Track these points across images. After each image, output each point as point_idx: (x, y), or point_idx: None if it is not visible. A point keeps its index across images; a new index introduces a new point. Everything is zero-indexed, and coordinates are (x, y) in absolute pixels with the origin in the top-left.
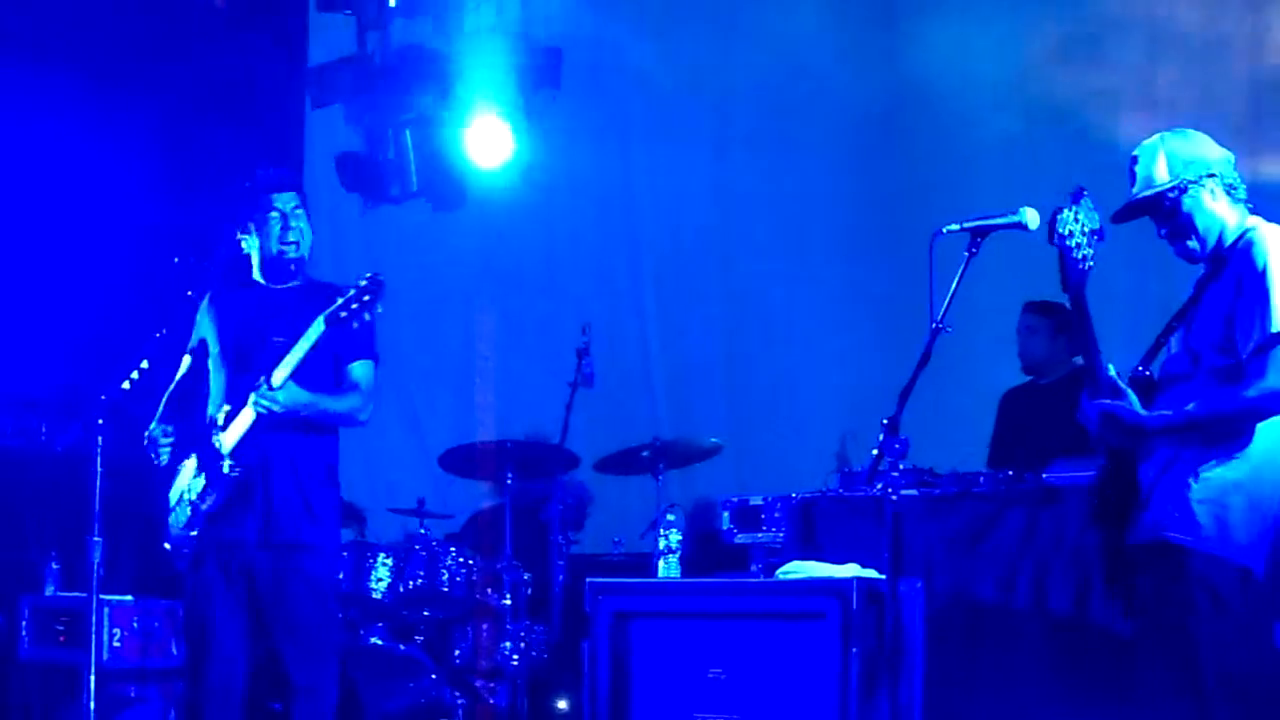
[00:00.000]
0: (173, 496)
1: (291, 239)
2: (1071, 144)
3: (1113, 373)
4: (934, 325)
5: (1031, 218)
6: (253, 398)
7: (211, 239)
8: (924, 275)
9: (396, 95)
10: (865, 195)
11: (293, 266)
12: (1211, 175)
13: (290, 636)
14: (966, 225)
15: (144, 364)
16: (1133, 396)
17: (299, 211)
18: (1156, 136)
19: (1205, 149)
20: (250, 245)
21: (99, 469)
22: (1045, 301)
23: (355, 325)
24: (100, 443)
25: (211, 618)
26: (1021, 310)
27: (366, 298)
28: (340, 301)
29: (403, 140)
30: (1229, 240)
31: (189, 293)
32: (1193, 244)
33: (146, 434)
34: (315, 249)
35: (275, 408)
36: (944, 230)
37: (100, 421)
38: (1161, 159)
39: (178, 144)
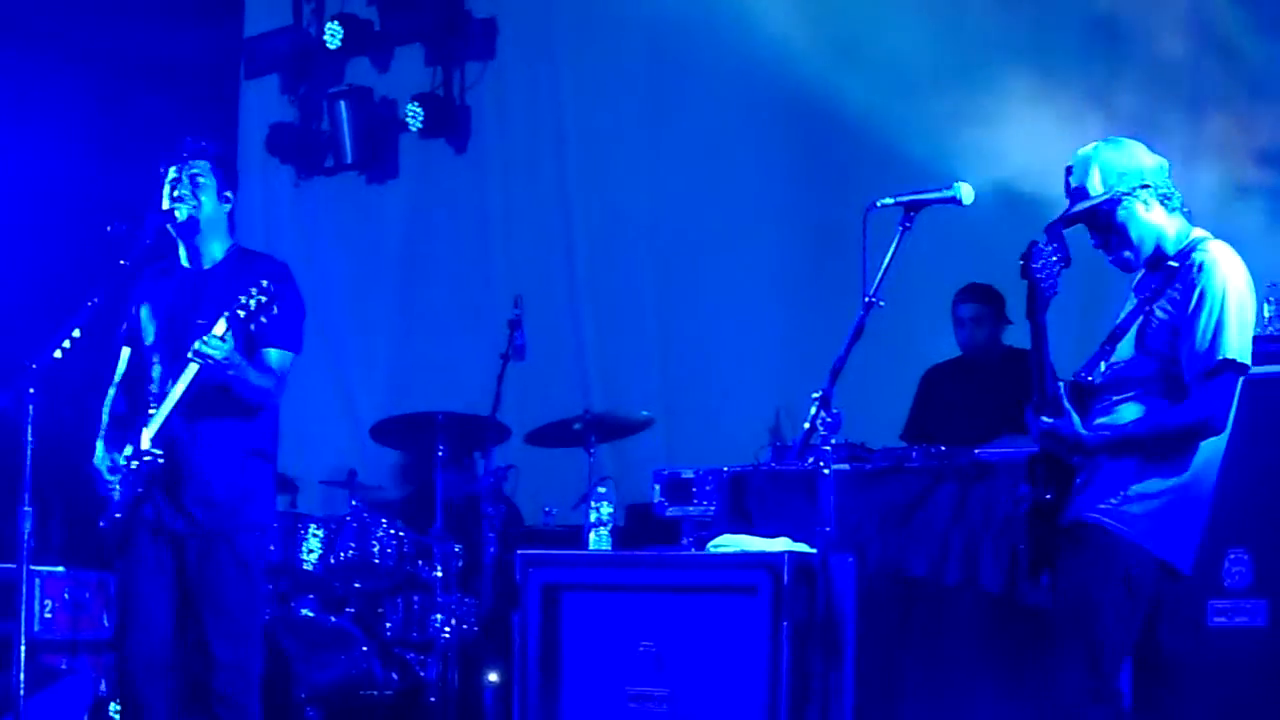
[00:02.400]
0: (108, 471)
1: (186, 215)
2: (1006, 120)
3: (1061, 390)
4: (867, 299)
5: (966, 192)
6: (196, 345)
7: (143, 208)
8: (857, 249)
9: (331, 67)
10: (798, 168)
11: (207, 232)
12: (1145, 186)
13: (216, 613)
14: (900, 199)
15: (76, 333)
16: (1075, 417)
17: (201, 180)
18: (1091, 147)
19: (1139, 159)
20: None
21: (29, 438)
22: (983, 287)
23: (263, 319)
24: (31, 412)
25: (140, 594)
26: (961, 297)
27: (264, 299)
28: (243, 300)
29: (337, 112)
30: (1171, 249)
31: (121, 261)
32: (1128, 254)
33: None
34: (247, 220)
35: (217, 354)
36: (877, 204)
37: (31, 390)
38: (1095, 171)
39: (110, 113)
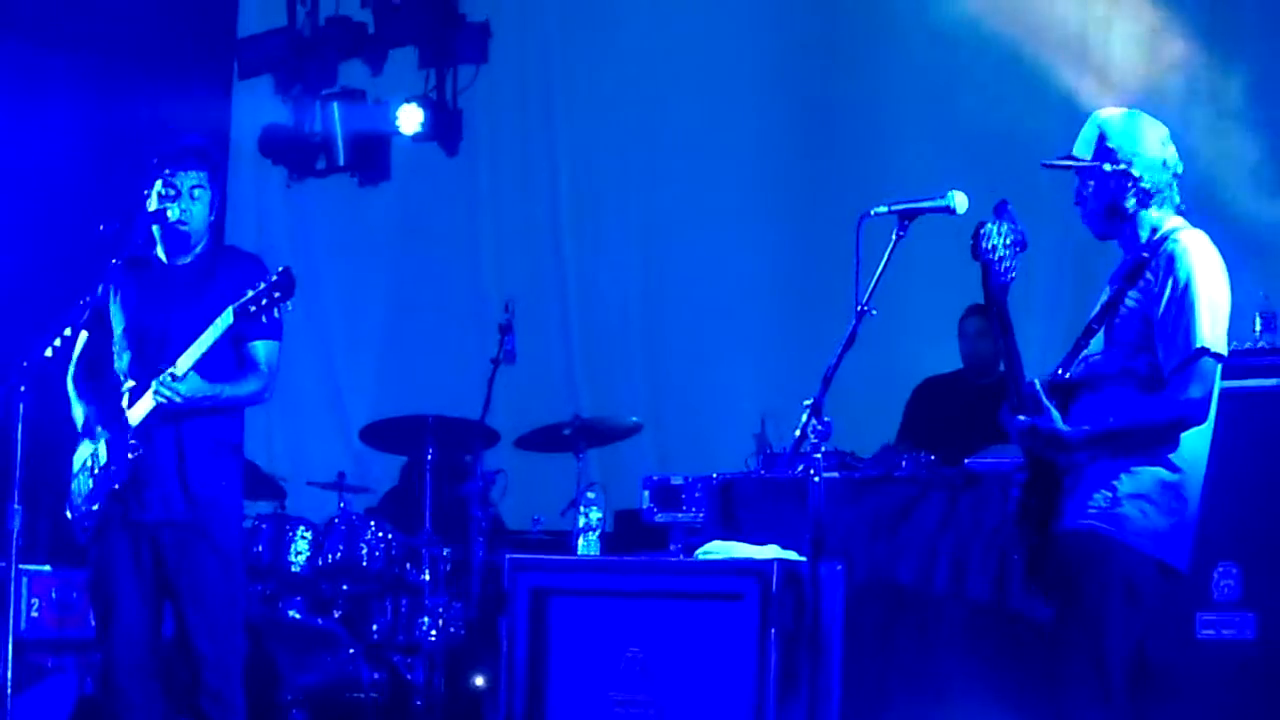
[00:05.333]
0: (76, 463)
1: (176, 217)
2: (1001, 132)
3: (1037, 386)
4: (859, 308)
5: (960, 201)
6: (154, 385)
7: (135, 206)
8: (845, 256)
9: (324, 68)
10: (791, 175)
11: (192, 240)
12: (1129, 177)
13: (197, 607)
14: (894, 208)
15: (67, 331)
16: (1054, 413)
17: (197, 191)
18: (1106, 112)
19: (1141, 143)
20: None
21: (19, 436)
22: None
23: (264, 320)
24: (21, 410)
25: (117, 591)
26: (968, 313)
27: (278, 294)
28: (251, 295)
29: (330, 113)
30: (1144, 237)
31: (113, 260)
32: (1090, 224)
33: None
34: (238, 221)
35: (176, 399)
36: (871, 212)
37: (22, 388)
38: (1095, 134)
39: (103, 111)
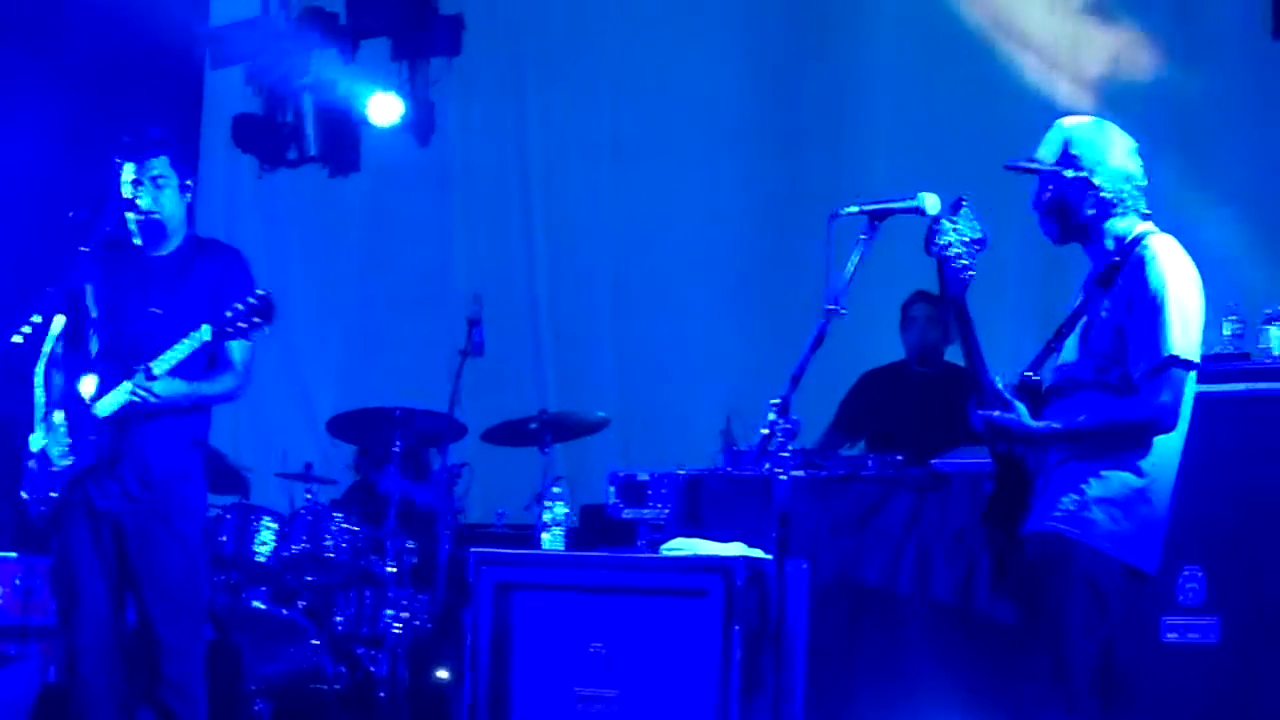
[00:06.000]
0: (33, 444)
1: (145, 208)
2: (973, 131)
3: (1000, 385)
4: (828, 307)
5: (930, 202)
6: (129, 385)
7: (104, 195)
8: (812, 255)
9: (296, 58)
10: (763, 174)
11: (168, 229)
12: (1091, 186)
13: (159, 595)
14: (864, 208)
15: (36, 318)
16: (1021, 408)
17: (161, 180)
18: (1071, 121)
19: (1106, 152)
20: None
21: None
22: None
23: (238, 351)
24: None
25: (80, 579)
26: (915, 299)
27: (257, 319)
28: (230, 315)
29: (301, 104)
30: (1112, 244)
31: (83, 248)
32: (1048, 229)
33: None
34: (209, 210)
35: (151, 399)
36: (841, 212)
37: None
38: (1058, 141)
39: (74, 100)
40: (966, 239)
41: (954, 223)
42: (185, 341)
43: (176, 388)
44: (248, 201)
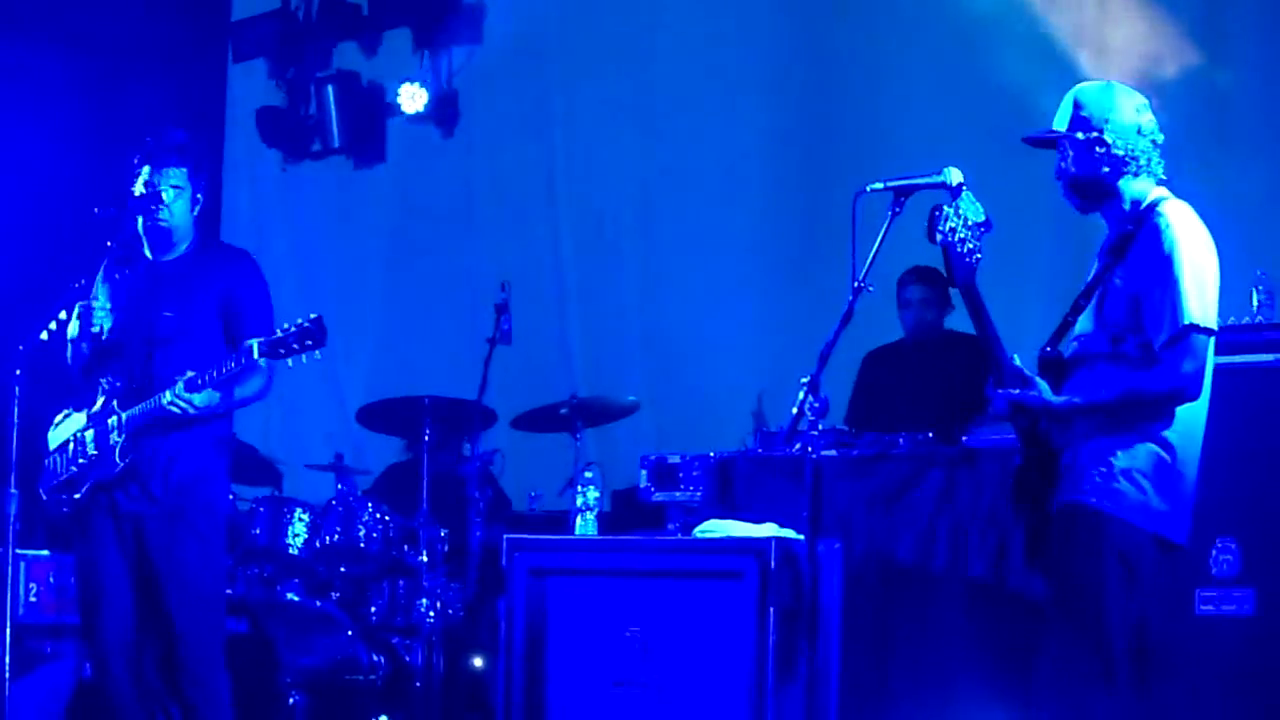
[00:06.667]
0: (53, 440)
1: (157, 214)
2: (997, 105)
3: (1018, 362)
4: (856, 284)
5: (955, 177)
6: (168, 396)
7: (128, 193)
8: (840, 233)
9: (319, 51)
10: (788, 152)
11: (175, 236)
12: (1101, 143)
13: (179, 590)
14: (890, 184)
15: (62, 315)
16: (1042, 384)
17: (174, 190)
18: (1082, 84)
19: (1116, 110)
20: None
21: (16, 420)
22: (928, 269)
23: (290, 364)
24: (18, 393)
25: (104, 579)
26: (907, 279)
27: (309, 342)
28: (280, 335)
29: (325, 96)
30: (1127, 207)
31: (108, 243)
32: (1069, 195)
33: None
34: (234, 205)
35: (190, 410)
36: (867, 189)
37: (18, 372)
38: (1070, 105)
39: (98, 96)
40: (970, 222)
41: (955, 207)
42: (231, 363)
43: (213, 399)
44: (272, 195)
